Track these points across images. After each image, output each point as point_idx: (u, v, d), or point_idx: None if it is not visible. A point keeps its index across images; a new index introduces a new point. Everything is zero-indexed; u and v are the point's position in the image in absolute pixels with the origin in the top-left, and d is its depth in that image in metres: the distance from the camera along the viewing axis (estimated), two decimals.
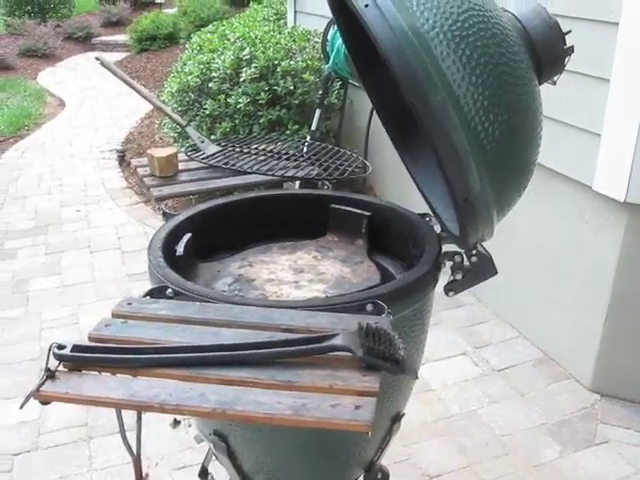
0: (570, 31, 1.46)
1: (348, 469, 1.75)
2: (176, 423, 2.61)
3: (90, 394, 1.04)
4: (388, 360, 1.06)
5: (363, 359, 1.06)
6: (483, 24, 1.29)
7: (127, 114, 7.40)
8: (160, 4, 13.80)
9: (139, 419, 1.40)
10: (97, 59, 2.34)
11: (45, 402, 1.10)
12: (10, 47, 10.75)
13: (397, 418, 1.70)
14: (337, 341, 1.04)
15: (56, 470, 2.42)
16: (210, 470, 2.18)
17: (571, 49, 1.46)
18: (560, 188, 2.82)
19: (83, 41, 11.67)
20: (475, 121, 1.25)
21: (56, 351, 1.09)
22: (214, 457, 2.01)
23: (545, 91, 1.43)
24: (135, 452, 1.41)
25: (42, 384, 1.07)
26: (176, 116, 2.55)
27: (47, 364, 1.09)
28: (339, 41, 3.85)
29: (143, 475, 1.59)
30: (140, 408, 1.12)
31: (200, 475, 2.17)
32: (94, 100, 8.23)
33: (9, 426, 2.62)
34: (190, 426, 2.58)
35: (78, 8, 13.50)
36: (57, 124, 7.30)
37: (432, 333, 1.74)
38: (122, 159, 5.87)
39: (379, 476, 1.83)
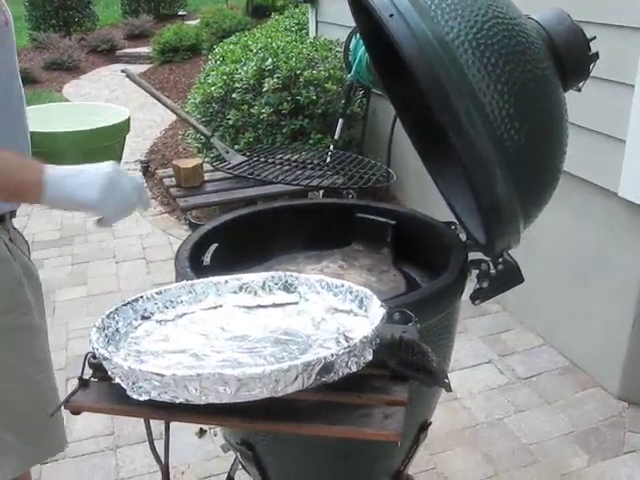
0: (595, 37, 1.46)
1: (375, 478, 1.75)
2: (202, 432, 2.62)
3: (120, 405, 1.04)
4: (421, 372, 1.06)
5: (396, 371, 1.06)
6: (507, 32, 1.29)
7: (151, 125, 7.46)
8: (182, 16, 13.91)
9: (167, 428, 1.41)
10: (123, 72, 2.37)
11: (76, 412, 1.11)
12: (35, 60, 10.89)
13: (424, 427, 1.70)
14: (369, 354, 1.04)
15: (84, 479, 2.43)
16: (236, 479, 2.19)
17: (596, 55, 1.45)
18: (585, 195, 2.80)
19: (107, 53, 11.79)
20: (501, 129, 1.25)
21: (92, 360, 1.10)
22: (240, 466, 2.01)
23: (570, 97, 1.43)
24: (163, 461, 1.42)
25: (74, 393, 1.08)
26: (201, 127, 2.57)
27: (82, 373, 1.10)
28: (361, 50, 3.87)
29: None
30: (170, 418, 1.13)
31: None
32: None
33: None
34: (216, 435, 2.59)
35: (102, 21, 13.67)
36: None
37: (457, 341, 1.73)
38: (146, 170, 5.90)
39: None
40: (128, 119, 2.00)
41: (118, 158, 1.85)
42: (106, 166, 1.27)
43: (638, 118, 2.47)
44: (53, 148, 1.71)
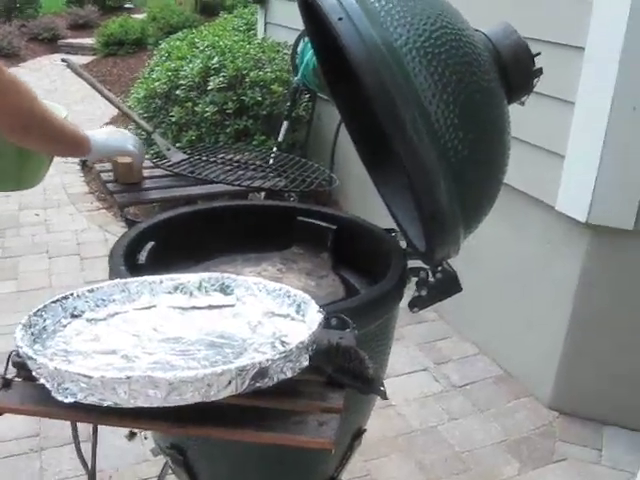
0: (539, 53, 1.47)
1: None
2: (132, 435, 2.56)
3: (45, 406, 1.00)
4: (358, 379, 1.05)
5: (333, 377, 1.04)
6: (455, 42, 1.29)
7: (91, 118, 7.28)
8: (129, 9, 13.70)
9: (95, 431, 1.37)
10: (64, 61, 2.29)
11: None
12: None
13: (358, 434, 1.69)
14: (305, 360, 1.02)
15: None
16: None
17: (540, 71, 1.47)
18: (524, 207, 2.85)
19: (48, 42, 11.49)
20: (445, 138, 1.25)
21: (16, 359, 1.05)
22: (170, 470, 1.97)
23: (513, 111, 1.44)
24: (90, 466, 1.37)
25: None
26: (143, 122, 2.51)
27: (5, 372, 1.05)
28: (309, 54, 3.86)
29: None
30: (97, 421, 1.09)
31: None
32: (57, 102, 8.07)
33: None
34: (146, 438, 2.53)
35: (45, 9, 13.29)
36: None
37: (394, 348, 1.73)
38: (84, 163, 5.78)
39: None
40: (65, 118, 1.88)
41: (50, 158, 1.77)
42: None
43: (577, 134, 2.52)
44: None
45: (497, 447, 2.60)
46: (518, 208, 2.87)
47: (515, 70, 1.43)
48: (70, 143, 1.58)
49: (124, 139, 1.80)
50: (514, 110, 1.46)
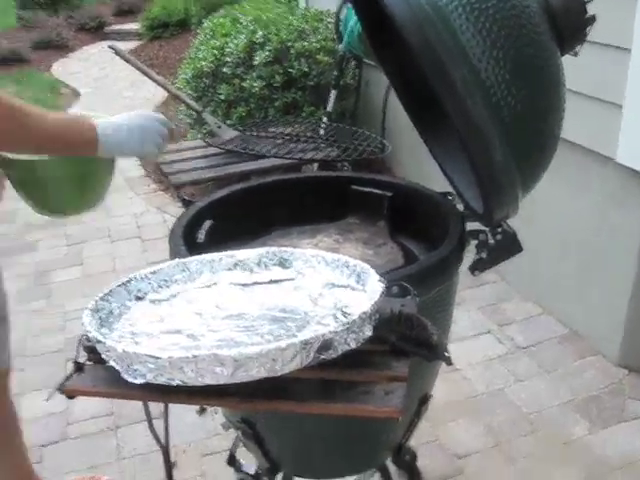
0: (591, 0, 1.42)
1: (376, 452, 1.74)
2: (202, 410, 2.61)
3: (116, 388, 1.02)
4: (422, 346, 1.04)
5: (396, 346, 1.04)
6: None
7: (142, 103, 7.38)
8: None
9: (166, 410, 1.40)
10: (110, 47, 2.32)
11: (71, 396, 1.09)
12: (23, 40, 10.73)
13: (424, 400, 1.69)
14: (368, 330, 1.02)
15: (85, 460, 2.43)
16: (238, 457, 2.18)
17: (593, 18, 1.42)
18: (582, 162, 2.77)
19: (95, 31, 11.62)
20: (497, 95, 1.22)
21: (86, 343, 1.08)
22: (241, 443, 2.01)
23: (566, 63, 1.40)
24: (163, 442, 1.41)
25: (69, 377, 1.06)
26: (192, 102, 2.53)
27: (77, 357, 1.08)
28: (352, 20, 3.81)
29: (171, 463, 1.59)
30: (167, 400, 1.11)
31: (228, 462, 2.18)
32: (108, 90, 8.21)
33: (37, 418, 2.64)
34: (217, 413, 2.58)
35: None
36: None
37: (455, 312, 1.72)
38: None
39: (407, 458, 1.82)
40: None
41: (104, 177, 1.74)
42: (137, 117, 1.51)
43: (635, 83, 2.43)
44: (33, 178, 1.59)
45: (565, 407, 2.56)
46: (575, 162, 2.79)
47: (566, 20, 1.38)
48: (68, 143, 1.45)
49: (142, 139, 1.50)
50: (567, 61, 1.42)
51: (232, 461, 2.18)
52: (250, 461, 2.18)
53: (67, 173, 1.56)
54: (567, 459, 2.32)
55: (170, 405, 1.50)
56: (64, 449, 2.50)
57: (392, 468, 1.86)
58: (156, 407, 1.37)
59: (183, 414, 2.56)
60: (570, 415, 2.52)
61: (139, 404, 1.34)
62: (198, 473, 2.33)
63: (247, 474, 2.16)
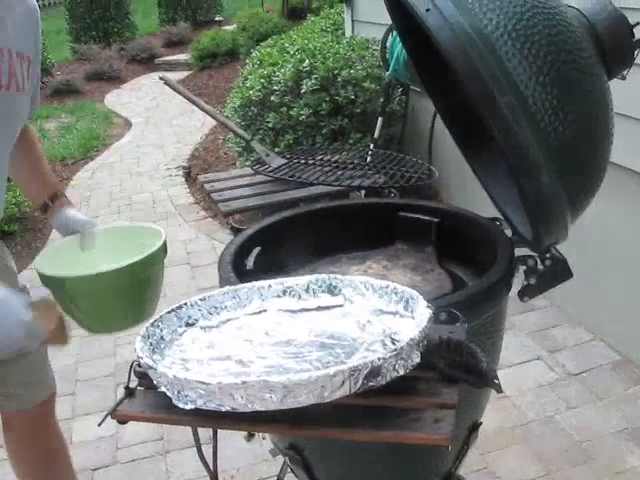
0: (639, 23, 1.41)
1: (425, 479, 1.72)
2: (250, 436, 2.61)
3: (167, 414, 1.04)
4: (471, 373, 1.04)
5: (445, 373, 1.04)
6: (547, 21, 1.26)
7: (191, 131, 7.52)
8: (219, 21, 13.99)
9: (215, 435, 1.41)
10: (161, 79, 2.38)
11: (122, 421, 1.11)
12: (77, 72, 11.08)
13: (474, 427, 1.67)
14: (417, 356, 1.02)
15: None
16: None
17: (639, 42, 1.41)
18: (634, 186, 2.73)
19: (146, 62, 11.91)
20: (544, 121, 1.22)
21: (137, 369, 1.10)
22: (289, 469, 2.01)
23: (615, 86, 1.39)
24: (212, 468, 1.42)
25: (120, 403, 1.08)
26: (240, 131, 2.58)
27: (128, 382, 1.10)
28: (398, 47, 3.83)
29: None
30: (216, 426, 1.12)
31: None
32: (159, 119, 8.40)
33: (88, 441, 2.68)
34: (264, 439, 2.58)
35: (140, 30, 13.81)
36: (124, 144, 7.47)
37: (505, 338, 1.70)
38: (188, 175, 5.96)
39: None
40: (164, 243, 1.69)
41: (157, 286, 1.69)
42: None
43: None
44: (74, 293, 1.49)
45: (618, 436, 2.50)
46: (628, 187, 2.75)
47: (613, 44, 1.38)
48: None
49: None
50: (617, 85, 1.41)
51: None
52: None
53: (123, 283, 1.49)
54: None
55: (219, 431, 1.51)
56: (114, 473, 2.53)
57: None
58: (205, 432, 1.39)
59: (231, 439, 2.56)
60: (624, 444, 2.46)
61: (188, 429, 1.36)
62: None
63: None
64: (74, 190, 5.89)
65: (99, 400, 2.90)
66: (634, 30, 1.40)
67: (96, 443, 2.68)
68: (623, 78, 1.47)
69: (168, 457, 2.58)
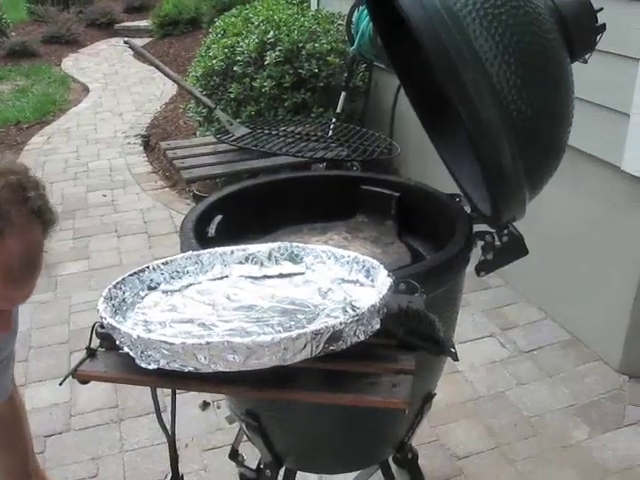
0: (602, 8, 1.44)
1: (379, 449, 1.76)
2: (205, 405, 2.64)
3: (129, 374, 1.05)
4: (428, 341, 1.06)
5: (404, 340, 1.06)
6: (515, 2, 1.28)
7: (151, 99, 7.42)
8: None
9: (174, 398, 1.41)
10: (126, 42, 2.35)
11: (84, 381, 1.11)
12: (34, 34, 10.80)
13: (428, 398, 1.71)
14: (377, 323, 1.04)
15: (88, 451, 2.45)
16: (240, 451, 2.20)
17: (603, 27, 1.44)
18: (588, 168, 2.79)
19: (106, 27, 11.65)
20: (507, 99, 1.25)
21: (99, 330, 1.10)
22: (245, 438, 2.03)
23: (574, 70, 1.42)
24: (170, 432, 1.43)
25: (82, 362, 1.09)
26: (204, 98, 2.56)
27: (90, 343, 1.10)
28: (364, 23, 3.84)
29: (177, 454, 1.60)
30: (178, 386, 1.14)
31: (230, 456, 2.20)
32: (117, 86, 8.25)
33: (41, 408, 2.66)
34: (219, 408, 2.60)
35: None
36: (81, 110, 7.33)
37: (459, 315, 1.74)
38: (147, 144, 5.89)
39: (409, 456, 1.84)
40: None
41: None
42: None
43: None
44: None
45: (566, 412, 2.58)
46: (583, 169, 2.81)
47: (577, 27, 1.40)
48: None
49: None
50: (578, 69, 1.44)
51: (234, 455, 2.20)
52: (252, 457, 2.20)
53: None
54: (566, 462, 2.34)
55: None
56: (67, 439, 2.52)
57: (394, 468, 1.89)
58: (161, 399, 1.40)
59: (186, 408, 2.58)
60: (570, 419, 2.54)
61: (144, 397, 1.37)
62: (200, 467, 2.35)
63: (249, 468, 2.18)
64: (29, 155, 5.78)
65: (52, 367, 2.88)
66: (597, 15, 1.43)
67: (49, 410, 2.66)
68: (585, 62, 1.50)
69: (122, 425, 2.58)
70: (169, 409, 1.44)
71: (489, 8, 1.24)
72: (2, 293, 1.15)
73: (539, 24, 1.30)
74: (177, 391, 1.36)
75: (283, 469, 1.73)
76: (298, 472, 1.76)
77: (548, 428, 2.50)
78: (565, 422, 2.53)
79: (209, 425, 2.55)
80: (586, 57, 1.50)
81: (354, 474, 1.99)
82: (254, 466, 2.18)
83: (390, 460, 1.85)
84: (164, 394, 1.44)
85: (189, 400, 2.61)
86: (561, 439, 2.45)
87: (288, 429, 1.62)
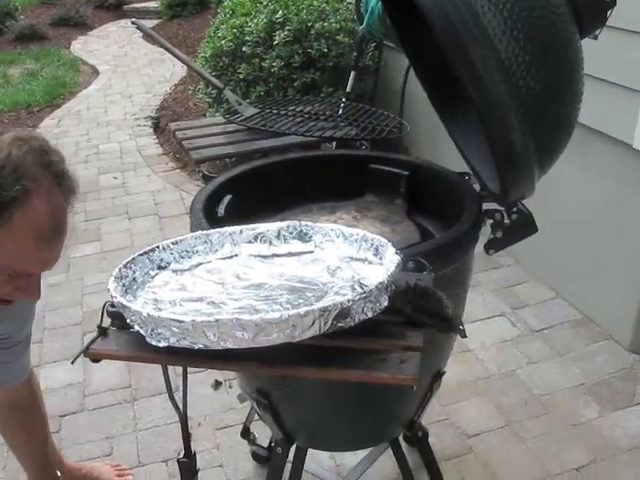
0: None
1: (389, 427, 1.77)
2: (217, 385, 2.65)
3: (139, 352, 1.06)
4: (436, 318, 1.07)
5: (412, 317, 1.07)
6: None
7: (160, 81, 7.41)
8: None
9: (185, 377, 1.42)
10: (133, 23, 2.34)
11: (96, 360, 1.13)
12: (42, 17, 10.79)
13: (438, 376, 1.71)
14: (385, 300, 1.05)
15: (102, 430, 2.47)
16: (252, 430, 2.22)
17: (613, 2, 1.42)
18: (600, 146, 2.77)
19: (114, 9, 11.62)
20: (516, 76, 1.24)
21: (110, 309, 1.11)
22: (256, 416, 2.05)
23: (585, 48, 1.41)
24: (182, 410, 1.44)
25: (93, 341, 1.10)
26: (213, 79, 2.56)
27: (101, 322, 1.11)
28: (373, 1, 3.80)
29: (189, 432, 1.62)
30: (189, 364, 1.15)
31: (242, 434, 2.22)
32: (127, 68, 8.24)
33: (56, 389, 2.69)
34: (231, 387, 2.62)
35: None
36: (91, 92, 7.34)
37: (470, 294, 1.73)
38: (157, 126, 5.89)
39: (419, 434, 1.85)
40: None
41: None
42: None
43: None
44: None
45: (576, 390, 2.58)
46: (593, 147, 2.80)
47: (586, 2, 1.39)
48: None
49: None
50: (587, 46, 1.43)
51: (246, 434, 2.23)
52: (264, 435, 2.22)
53: None
54: (576, 440, 2.34)
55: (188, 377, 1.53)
56: (82, 419, 2.54)
57: (404, 447, 1.90)
58: (173, 380, 1.41)
59: (199, 387, 2.60)
60: (581, 398, 2.54)
61: (156, 377, 1.38)
62: (212, 446, 2.37)
63: (260, 446, 2.21)
64: None
65: (66, 348, 2.90)
66: None
67: (64, 390, 2.68)
68: (595, 38, 1.49)
69: (136, 404, 2.60)
70: (182, 389, 1.45)
71: None
72: (35, 255, 1.17)
73: None
74: (189, 370, 1.37)
75: (294, 447, 1.75)
76: (309, 450, 1.78)
77: (558, 407, 2.50)
78: (575, 401, 2.53)
79: (221, 404, 2.57)
80: (596, 33, 1.48)
81: (365, 452, 2.01)
82: (266, 444, 2.21)
83: (400, 438, 1.86)
84: (176, 374, 1.45)
85: (202, 380, 2.63)
86: (572, 417, 2.45)
87: (298, 407, 1.63)
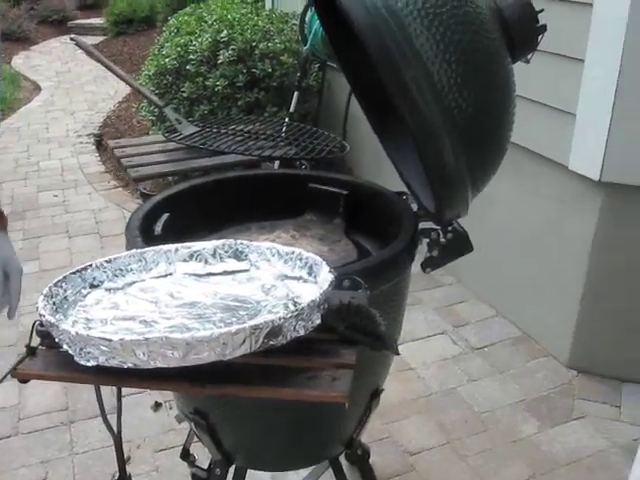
0: (543, 10, 1.47)
1: (328, 445, 1.77)
2: (157, 406, 2.62)
3: (68, 372, 1.04)
4: (370, 336, 1.07)
5: (345, 334, 1.07)
6: (456, 2, 1.29)
7: (104, 98, 7.34)
8: None
9: (119, 398, 1.41)
10: (72, 39, 2.32)
11: (24, 380, 1.10)
12: None
13: (376, 394, 1.72)
14: (317, 318, 1.05)
15: (37, 455, 2.41)
16: (192, 451, 2.19)
17: (544, 27, 1.47)
18: (537, 167, 2.84)
19: (58, 25, 11.48)
20: (449, 98, 1.26)
21: (39, 328, 1.09)
22: (196, 438, 2.02)
23: (522, 71, 1.44)
24: (116, 431, 1.42)
25: (21, 361, 1.07)
26: (154, 97, 2.55)
27: (30, 341, 1.09)
28: (317, 23, 3.85)
29: (125, 457, 1.59)
30: (119, 383, 1.13)
31: (182, 456, 2.19)
32: (70, 85, 8.13)
33: None
34: (171, 408, 2.59)
35: None
36: (33, 108, 7.21)
37: (411, 313, 1.75)
38: (99, 143, 5.82)
39: (359, 452, 1.85)
40: None
41: None
42: None
43: (588, 92, 2.50)
44: None
45: (516, 407, 2.63)
46: (530, 168, 2.87)
47: (518, 27, 1.43)
48: None
49: None
50: (522, 69, 1.46)
51: (186, 455, 2.19)
52: (204, 456, 2.19)
53: None
54: (516, 456, 2.38)
55: (125, 401, 1.51)
56: (15, 444, 2.47)
57: (345, 465, 1.90)
58: (109, 401, 1.38)
59: (139, 409, 2.56)
60: (520, 414, 2.58)
61: (93, 399, 1.35)
62: (152, 468, 2.34)
63: (200, 468, 2.17)
64: None
65: (1, 369, 2.83)
66: (538, 16, 1.46)
67: None
68: (527, 62, 1.53)
69: (73, 427, 2.54)
70: (117, 410, 1.43)
71: (430, 8, 1.26)
72: None
73: (480, 24, 1.32)
74: (129, 392, 1.35)
75: (233, 468, 1.73)
76: (250, 471, 1.76)
77: (498, 423, 2.54)
78: (515, 417, 2.57)
79: (161, 426, 2.53)
80: (528, 57, 1.53)
81: (306, 471, 2.00)
82: (205, 466, 2.18)
83: (342, 457, 1.86)
84: (113, 395, 1.43)
85: (141, 401, 2.59)
86: (511, 434, 2.49)
87: (235, 427, 1.62)
